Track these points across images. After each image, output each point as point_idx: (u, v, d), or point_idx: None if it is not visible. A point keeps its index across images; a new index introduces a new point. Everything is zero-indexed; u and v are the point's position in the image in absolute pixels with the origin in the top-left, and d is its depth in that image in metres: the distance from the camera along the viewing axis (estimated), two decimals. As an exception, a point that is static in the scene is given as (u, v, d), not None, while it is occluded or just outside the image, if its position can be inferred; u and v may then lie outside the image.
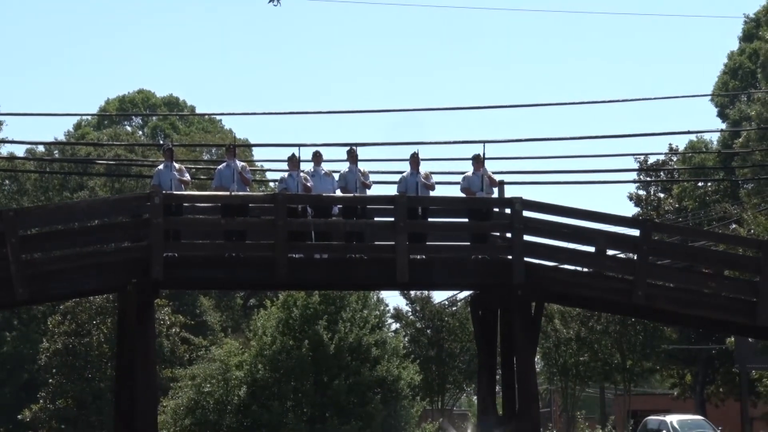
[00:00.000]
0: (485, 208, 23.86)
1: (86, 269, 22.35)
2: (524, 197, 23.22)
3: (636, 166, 57.74)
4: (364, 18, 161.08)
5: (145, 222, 22.39)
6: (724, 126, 59.89)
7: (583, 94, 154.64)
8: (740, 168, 52.65)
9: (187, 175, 24.04)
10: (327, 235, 23.63)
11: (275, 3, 15.24)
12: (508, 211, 23.47)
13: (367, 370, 42.40)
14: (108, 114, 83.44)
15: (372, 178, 24.91)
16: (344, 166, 24.30)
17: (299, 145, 24.16)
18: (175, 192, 23.15)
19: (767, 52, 54.05)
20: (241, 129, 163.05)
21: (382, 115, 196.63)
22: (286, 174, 23.97)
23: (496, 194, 24.11)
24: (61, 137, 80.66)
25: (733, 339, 41.05)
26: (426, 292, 60.52)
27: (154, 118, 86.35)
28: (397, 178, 24.80)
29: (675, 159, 60.99)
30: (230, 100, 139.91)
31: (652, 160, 58.77)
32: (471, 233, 24.02)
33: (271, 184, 46.75)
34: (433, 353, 60.50)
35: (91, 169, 53.64)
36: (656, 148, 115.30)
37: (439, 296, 61.83)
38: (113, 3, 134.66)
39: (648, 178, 59.81)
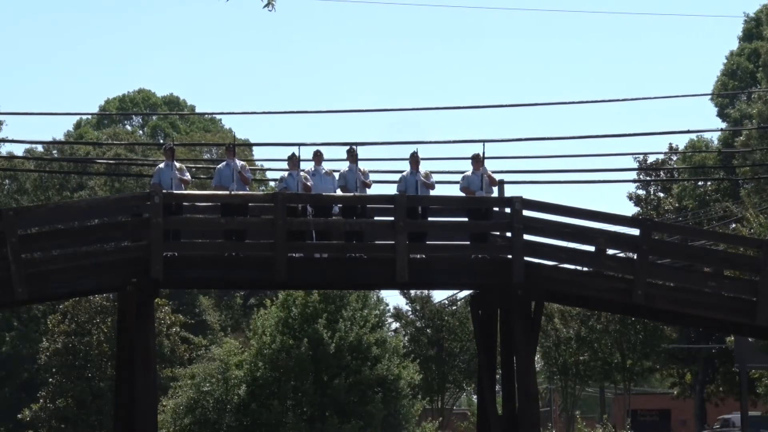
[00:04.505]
0: (485, 208, 23.86)
1: (86, 269, 22.35)
2: (524, 196, 23.22)
3: (636, 165, 57.82)
4: (364, 18, 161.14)
5: (145, 221, 22.38)
6: (724, 126, 59.92)
7: (583, 93, 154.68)
8: (740, 167, 52.63)
9: (187, 174, 24.05)
10: (327, 235, 23.63)
11: (270, 8, 15.28)
12: (507, 210, 23.47)
13: (367, 370, 42.41)
14: (108, 113, 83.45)
15: (372, 177, 24.94)
16: (344, 166, 24.31)
17: (299, 145, 24.18)
18: (174, 191, 23.15)
19: (767, 52, 54.04)
20: (242, 128, 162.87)
21: (382, 115, 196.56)
22: (286, 173, 23.98)
23: (495, 193, 24.11)
24: (61, 137, 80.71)
25: (732, 338, 41.04)
26: (426, 292, 60.57)
27: (154, 117, 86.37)
28: (397, 177, 24.82)
29: (675, 158, 61.03)
30: (230, 100, 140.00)
31: (651, 159, 58.83)
32: (471, 233, 24.02)
33: (271, 183, 46.77)
34: (433, 352, 60.55)
35: (91, 168, 53.61)
36: (656, 148, 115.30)
37: (438, 296, 61.92)
38: (113, 3, 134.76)
39: (648, 178, 59.82)
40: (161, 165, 23.93)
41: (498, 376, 25.90)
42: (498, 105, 61.62)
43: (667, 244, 27.66)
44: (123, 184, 65.83)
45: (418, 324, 61.90)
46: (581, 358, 56.50)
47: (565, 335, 56.17)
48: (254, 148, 67.29)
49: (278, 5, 15.15)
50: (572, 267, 24.46)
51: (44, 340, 51.78)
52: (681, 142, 66.62)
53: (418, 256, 23.27)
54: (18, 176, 68.71)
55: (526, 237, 23.22)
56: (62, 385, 49.07)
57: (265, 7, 15.25)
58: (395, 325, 61.12)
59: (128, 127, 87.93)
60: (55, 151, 70.44)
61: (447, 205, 24.49)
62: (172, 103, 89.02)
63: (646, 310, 25.35)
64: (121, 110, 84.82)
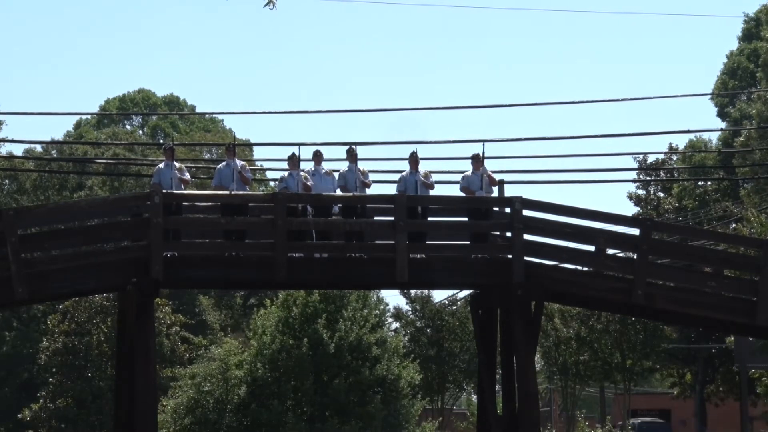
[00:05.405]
0: (485, 208, 23.87)
1: (86, 269, 22.34)
2: (524, 196, 23.23)
3: (636, 165, 57.81)
4: (364, 18, 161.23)
5: (145, 221, 22.38)
6: (724, 125, 59.95)
7: (583, 93, 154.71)
8: (740, 167, 52.64)
9: (187, 174, 24.07)
10: (327, 235, 23.63)
11: (271, 7, 15.31)
12: (507, 210, 23.48)
13: (367, 370, 42.39)
14: (108, 113, 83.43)
15: (372, 177, 24.94)
16: (344, 166, 24.32)
17: (299, 145, 24.20)
18: (174, 191, 23.15)
19: (767, 52, 54.06)
20: (242, 128, 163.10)
21: (382, 115, 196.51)
22: (286, 173, 23.99)
23: (495, 193, 24.12)
24: (60, 137, 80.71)
25: (732, 338, 41.03)
26: (426, 292, 60.53)
27: (154, 117, 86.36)
28: (396, 177, 24.83)
29: (675, 158, 61.04)
30: (230, 100, 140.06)
31: (651, 159, 58.82)
32: (471, 232, 24.03)
33: (271, 183, 46.77)
34: (432, 352, 60.49)
35: (90, 168, 53.64)
36: (656, 148, 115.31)
37: (439, 295, 61.88)
38: (113, 3, 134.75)
39: (648, 178, 59.80)
40: (161, 165, 23.94)
41: (498, 376, 25.91)
42: (498, 105, 61.80)
43: (667, 244, 27.64)
44: (122, 183, 65.86)
45: (418, 324, 61.85)
46: (581, 358, 56.47)
47: (565, 335, 56.14)
48: (254, 148, 67.30)
49: (278, 5, 15.18)
50: (572, 267, 24.47)
51: (44, 340, 51.77)
52: (681, 142, 66.72)
53: (418, 256, 23.28)
54: (18, 176, 68.72)
55: (526, 237, 23.23)
56: (62, 385, 49.05)
57: (266, 5, 15.25)
58: (395, 325, 61.10)
59: (128, 127, 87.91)
60: (54, 151, 70.44)
61: (447, 205, 24.50)
62: (172, 103, 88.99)
63: (646, 310, 25.35)
64: (121, 110, 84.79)
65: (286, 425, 40.93)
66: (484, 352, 24.85)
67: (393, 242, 22.88)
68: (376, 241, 23.95)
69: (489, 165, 24.42)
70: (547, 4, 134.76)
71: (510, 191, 24.09)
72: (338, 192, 24.01)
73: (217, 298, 68.56)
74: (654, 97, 40.27)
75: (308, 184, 23.67)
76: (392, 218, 23.14)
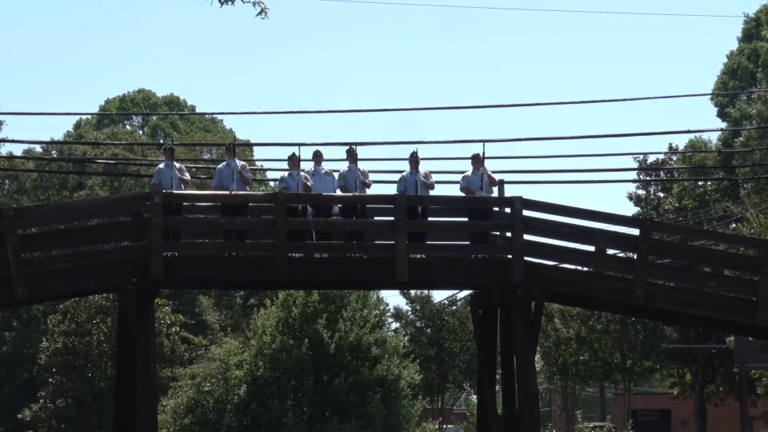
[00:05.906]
0: (485, 208, 23.87)
1: (86, 269, 22.34)
2: (524, 196, 23.23)
3: (636, 165, 57.80)
4: (363, 18, 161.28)
5: (145, 221, 22.38)
6: (724, 126, 59.93)
7: (583, 93, 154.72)
8: (740, 167, 52.64)
9: (187, 174, 24.08)
10: (327, 235, 23.64)
11: (263, 16, 15.41)
12: (507, 210, 23.48)
13: (366, 370, 42.41)
14: (108, 113, 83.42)
15: (372, 177, 24.95)
16: (344, 166, 24.33)
17: (299, 145, 24.20)
18: (174, 191, 23.16)
19: (767, 52, 54.04)
20: (242, 128, 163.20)
21: (382, 115, 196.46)
22: (286, 173, 24.00)
23: (495, 193, 24.12)
24: (60, 137, 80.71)
25: (732, 338, 41.03)
26: (426, 292, 60.50)
27: (154, 117, 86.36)
28: (396, 177, 24.84)
29: (675, 158, 61.02)
30: (230, 100, 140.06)
31: (651, 159, 58.81)
32: (471, 233, 24.04)
33: (271, 183, 46.79)
34: (432, 352, 60.47)
35: (89, 168, 53.65)
36: (656, 148, 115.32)
37: (438, 295, 61.86)
38: (113, 3, 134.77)
39: (648, 178, 59.78)
40: (161, 165, 23.95)
41: (498, 376, 25.91)
42: (498, 105, 61.83)
43: (667, 244, 27.64)
44: (122, 183, 65.88)
45: (418, 324, 61.82)
46: (581, 358, 56.46)
47: (565, 335, 56.13)
48: (254, 148, 67.28)
49: (279, 5, 15.28)
50: (572, 267, 24.47)
51: (44, 340, 51.79)
52: (681, 142, 66.68)
53: (418, 256, 23.28)
54: (18, 176, 68.73)
55: (526, 237, 23.22)
56: (62, 385, 49.08)
57: (257, 15, 15.34)
58: (395, 325, 61.08)
59: (128, 127, 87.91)
60: (54, 151, 70.44)
61: (447, 205, 24.50)
62: (172, 103, 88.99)
63: (646, 310, 25.35)
64: (121, 110, 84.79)
65: (286, 425, 40.95)
66: (484, 352, 24.85)
67: (393, 242, 22.88)
68: (376, 241, 23.96)
69: (489, 165, 24.46)
70: (547, 4, 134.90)
71: (510, 191, 24.10)
72: (338, 192, 24.01)
73: (217, 298, 68.58)
74: (654, 97, 40.36)
75: (308, 184, 23.67)
76: (392, 218, 23.14)
